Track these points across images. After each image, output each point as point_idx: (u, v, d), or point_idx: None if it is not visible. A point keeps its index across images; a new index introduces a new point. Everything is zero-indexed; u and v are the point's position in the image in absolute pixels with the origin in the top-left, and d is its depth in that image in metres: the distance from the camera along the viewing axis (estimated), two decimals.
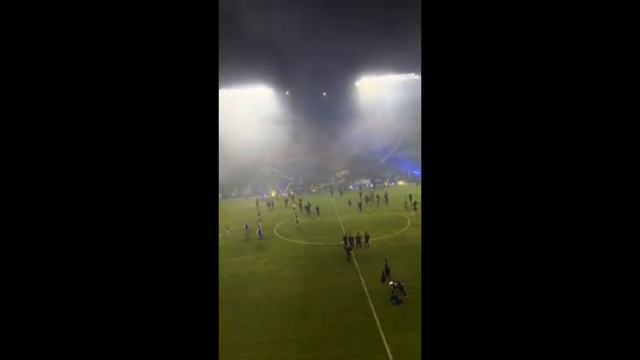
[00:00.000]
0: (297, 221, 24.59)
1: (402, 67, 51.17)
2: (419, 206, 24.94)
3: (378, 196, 32.05)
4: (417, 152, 48.50)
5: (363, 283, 13.48)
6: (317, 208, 28.63)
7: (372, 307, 11.49)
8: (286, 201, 34.69)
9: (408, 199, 28.11)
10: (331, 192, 40.52)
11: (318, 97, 56.69)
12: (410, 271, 13.48)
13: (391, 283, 11.97)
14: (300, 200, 32.01)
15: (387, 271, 13.12)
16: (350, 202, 30.82)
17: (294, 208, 29.85)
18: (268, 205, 32.79)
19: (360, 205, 28.91)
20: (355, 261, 15.87)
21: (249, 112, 44.95)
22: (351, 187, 44.03)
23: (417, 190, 33.11)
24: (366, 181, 45.55)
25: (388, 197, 31.29)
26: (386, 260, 13.62)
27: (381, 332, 10.00)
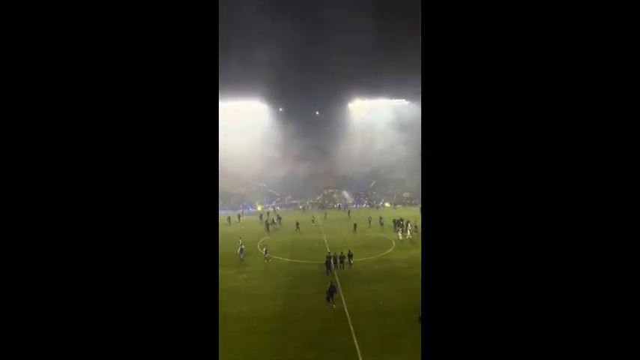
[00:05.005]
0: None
1: (393, 92, 52.80)
2: (411, 230, 25.01)
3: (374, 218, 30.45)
4: (403, 175, 49.35)
5: (344, 303, 13.25)
6: (297, 224, 28.97)
7: (352, 330, 11.25)
8: (260, 216, 33.45)
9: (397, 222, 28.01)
10: (307, 208, 40.67)
11: (311, 116, 57.52)
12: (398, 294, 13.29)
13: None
14: (276, 215, 31.74)
15: (332, 292, 13.25)
16: (313, 220, 31.55)
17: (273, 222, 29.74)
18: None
19: (355, 226, 28.20)
20: (338, 281, 15.65)
21: (241, 126, 45.03)
22: (338, 205, 44.05)
23: (402, 212, 33.29)
24: (353, 201, 45.81)
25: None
26: (331, 282, 13.87)
27: (360, 357, 9.74)
